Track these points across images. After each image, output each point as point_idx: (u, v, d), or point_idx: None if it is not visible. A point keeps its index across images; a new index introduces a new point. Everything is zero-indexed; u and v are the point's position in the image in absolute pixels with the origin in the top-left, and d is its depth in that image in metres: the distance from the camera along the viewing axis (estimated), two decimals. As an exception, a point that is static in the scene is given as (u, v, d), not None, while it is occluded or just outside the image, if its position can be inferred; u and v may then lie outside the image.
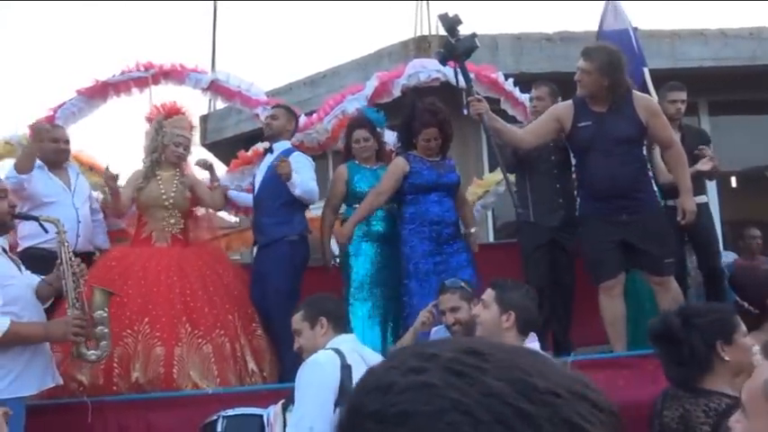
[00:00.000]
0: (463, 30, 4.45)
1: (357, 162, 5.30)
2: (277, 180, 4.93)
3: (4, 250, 3.91)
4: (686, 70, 7.23)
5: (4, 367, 3.66)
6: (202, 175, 5.52)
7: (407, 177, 4.96)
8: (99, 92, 5.81)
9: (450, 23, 4.39)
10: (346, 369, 3.25)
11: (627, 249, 4.52)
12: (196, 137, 5.62)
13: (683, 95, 5.52)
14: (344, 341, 3.47)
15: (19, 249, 4.99)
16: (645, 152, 4.90)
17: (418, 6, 8.82)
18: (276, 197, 5.04)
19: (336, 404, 3.20)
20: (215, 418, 3.74)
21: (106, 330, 3.99)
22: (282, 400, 3.62)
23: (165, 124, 5.15)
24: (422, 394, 0.68)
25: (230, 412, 3.75)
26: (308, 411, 3.15)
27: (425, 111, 4.96)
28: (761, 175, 8.12)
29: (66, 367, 4.33)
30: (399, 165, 5.02)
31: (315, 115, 6.01)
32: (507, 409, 0.66)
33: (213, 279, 4.93)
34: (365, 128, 5.31)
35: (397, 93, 6.00)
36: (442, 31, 4.80)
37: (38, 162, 5.11)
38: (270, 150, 5.33)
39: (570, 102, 4.60)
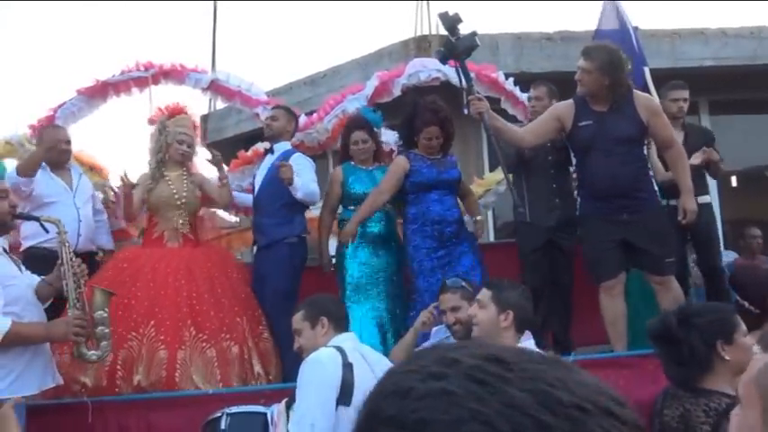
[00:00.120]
0: (463, 29, 4.45)
1: (353, 163, 5.30)
2: (277, 181, 4.93)
3: (4, 250, 3.91)
4: (686, 70, 7.23)
5: (5, 367, 3.66)
6: (209, 172, 5.55)
7: (408, 176, 4.98)
8: (99, 92, 5.82)
9: (451, 22, 4.39)
10: (348, 367, 3.25)
11: (627, 249, 4.52)
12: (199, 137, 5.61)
13: (684, 94, 5.52)
14: (345, 340, 3.47)
15: (21, 249, 5.01)
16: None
17: (418, 6, 8.82)
18: (276, 198, 5.03)
19: (338, 402, 3.20)
20: (218, 414, 3.73)
21: (107, 330, 4.00)
22: (286, 399, 3.62)
23: (168, 124, 5.17)
24: (441, 402, 0.67)
25: (234, 409, 3.74)
26: (310, 409, 3.15)
27: (426, 109, 4.96)
28: (761, 174, 8.12)
29: (69, 369, 4.34)
30: (400, 164, 5.03)
31: (315, 115, 6.01)
32: (528, 420, 0.65)
33: (221, 281, 4.93)
34: (364, 129, 5.30)
35: (397, 92, 6.00)
36: (443, 31, 4.79)
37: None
38: (270, 151, 5.32)
39: (571, 101, 4.59)
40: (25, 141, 5.67)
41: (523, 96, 6.01)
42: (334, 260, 5.28)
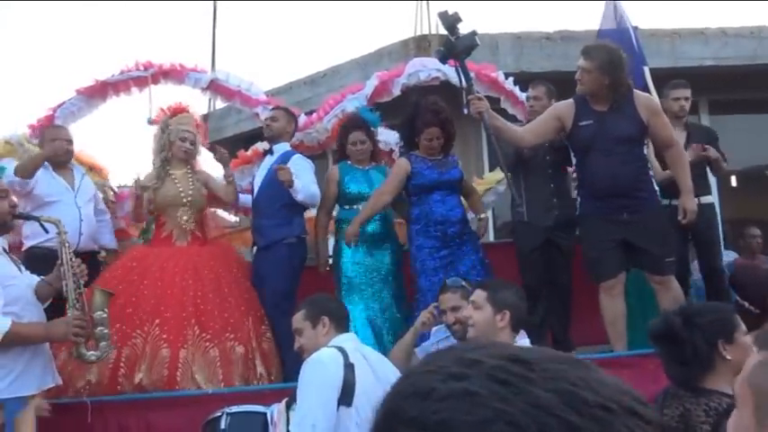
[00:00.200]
0: (463, 28, 4.44)
1: (349, 163, 5.30)
2: (277, 183, 4.93)
3: (4, 250, 3.91)
4: (686, 69, 7.23)
5: (5, 367, 3.66)
6: (214, 170, 5.58)
7: (410, 178, 5.00)
8: (98, 91, 5.81)
9: (450, 22, 4.38)
10: (349, 367, 3.25)
11: (627, 249, 4.52)
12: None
13: (686, 93, 5.52)
14: (347, 340, 3.47)
15: (23, 249, 5.03)
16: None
17: (418, 6, 8.81)
18: (276, 199, 5.03)
19: (339, 402, 3.19)
20: (218, 414, 3.73)
21: (106, 331, 4.00)
22: (286, 399, 3.62)
23: (171, 122, 5.20)
24: (464, 402, 0.65)
25: (234, 409, 3.74)
26: (311, 409, 3.15)
27: (427, 110, 4.97)
28: (761, 174, 8.12)
29: (74, 366, 4.35)
30: (402, 166, 5.05)
31: (315, 114, 6.01)
32: (554, 421, 0.64)
33: (228, 280, 4.95)
34: (361, 129, 5.30)
35: (397, 92, 5.99)
36: (443, 31, 4.79)
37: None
38: (270, 152, 5.32)
39: (571, 100, 4.59)
40: (24, 141, 5.66)
41: (523, 96, 6.00)
42: (331, 260, 5.28)
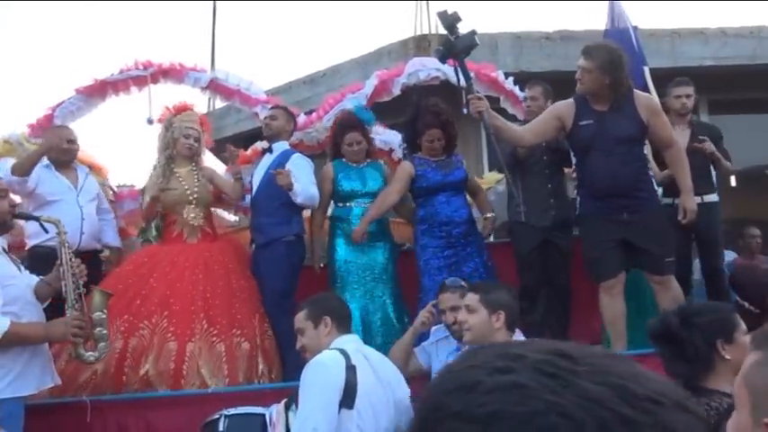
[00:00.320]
0: (462, 27, 4.44)
1: (344, 160, 5.30)
2: (275, 182, 4.93)
3: (3, 250, 3.90)
4: (686, 69, 7.21)
5: (4, 367, 3.66)
6: (219, 168, 5.60)
7: (414, 181, 5.04)
8: (98, 91, 5.81)
9: (450, 21, 4.38)
10: (351, 370, 3.24)
11: (627, 248, 4.51)
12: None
13: (688, 90, 5.52)
14: (349, 341, 3.46)
15: (26, 248, 5.07)
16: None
17: (418, 5, 8.81)
18: (274, 198, 5.03)
19: (341, 405, 3.19)
20: (216, 416, 3.73)
21: (105, 332, 4.00)
22: (285, 399, 3.61)
23: (174, 120, 5.24)
24: (512, 395, 0.65)
25: (232, 411, 3.73)
26: (313, 412, 3.14)
27: (428, 112, 5.01)
28: (761, 173, 8.11)
29: (75, 367, 4.37)
30: (406, 168, 5.08)
31: (314, 114, 6.00)
32: (608, 414, 0.63)
33: (238, 276, 5.00)
34: (357, 130, 5.30)
35: (396, 91, 5.99)
36: (442, 30, 4.79)
37: (45, 161, 5.19)
38: (269, 150, 5.32)
39: (571, 100, 4.58)
40: (24, 140, 5.67)
41: (523, 96, 5.99)
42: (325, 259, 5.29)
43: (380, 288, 5.03)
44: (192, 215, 5.09)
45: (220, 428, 3.66)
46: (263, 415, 3.64)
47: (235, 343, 4.66)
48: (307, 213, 5.39)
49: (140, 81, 5.77)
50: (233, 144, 5.95)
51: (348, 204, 5.19)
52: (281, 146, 5.29)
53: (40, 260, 4.51)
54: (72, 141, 5.32)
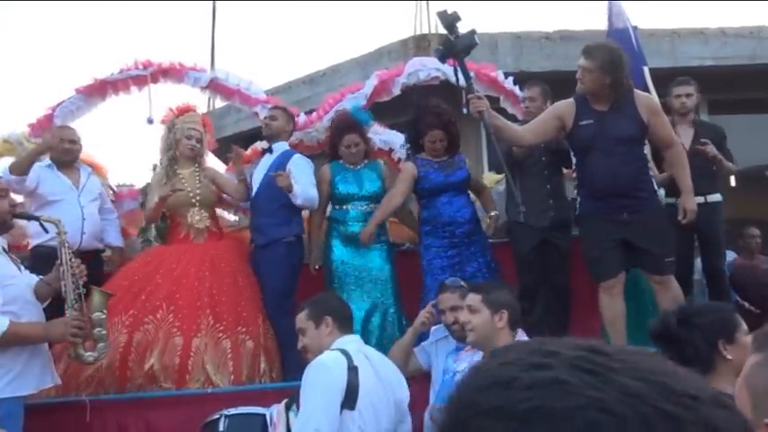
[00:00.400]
0: (462, 27, 4.43)
1: (341, 162, 5.30)
2: (275, 183, 4.92)
3: (3, 250, 3.90)
4: (686, 69, 7.21)
5: (3, 366, 3.66)
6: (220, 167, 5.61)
7: (417, 182, 5.06)
8: (98, 90, 5.80)
9: (449, 20, 4.37)
10: (353, 371, 3.24)
11: (627, 248, 4.51)
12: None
13: (687, 89, 5.52)
14: (350, 341, 3.46)
15: (29, 248, 5.09)
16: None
17: (418, 5, 8.81)
18: (275, 199, 5.04)
19: (342, 406, 3.18)
20: (216, 417, 3.72)
21: (104, 332, 4.00)
22: (286, 400, 3.61)
23: (177, 122, 5.25)
24: (552, 390, 0.63)
25: (232, 411, 3.73)
26: (315, 413, 3.14)
27: (429, 113, 5.03)
28: (761, 174, 8.10)
29: (77, 368, 4.36)
30: (409, 170, 5.10)
31: (314, 114, 5.99)
32: (650, 409, 0.62)
33: (244, 275, 5.02)
34: (355, 132, 5.29)
35: (396, 91, 5.98)
36: (442, 30, 4.78)
37: (47, 161, 5.22)
38: (269, 151, 5.31)
39: (572, 100, 4.58)
40: (23, 140, 5.67)
41: (522, 96, 5.98)
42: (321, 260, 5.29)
43: (378, 288, 5.03)
44: (197, 218, 5.10)
45: (221, 428, 3.65)
46: (264, 415, 3.64)
47: (240, 340, 4.68)
48: (306, 213, 5.39)
49: (140, 81, 5.76)
50: (233, 144, 5.94)
51: (345, 207, 5.19)
52: (280, 146, 5.28)
53: (41, 260, 4.51)
54: (74, 141, 5.33)
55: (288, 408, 3.53)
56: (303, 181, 5.00)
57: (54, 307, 4.04)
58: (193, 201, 5.09)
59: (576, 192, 5.10)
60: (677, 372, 0.68)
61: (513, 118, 5.84)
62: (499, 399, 0.65)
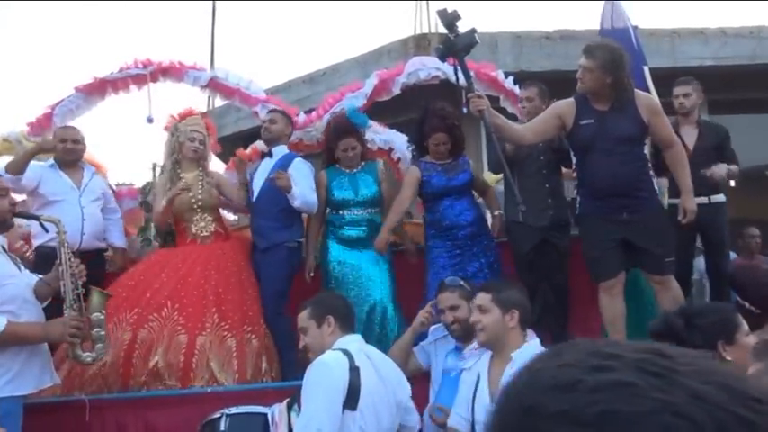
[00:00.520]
0: (462, 26, 4.43)
1: (337, 166, 5.29)
2: (277, 187, 4.92)
3: (3, 249, 3.90)
4: (686, 69, 7.21)
5: (2, 366, 3.66)
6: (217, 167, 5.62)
7: (421, 186, 5.09)
8: (97, 89, 5.79)
9: (449, 19, 4.36)
10: (354, 371, 3.23)
11: (627, 248, 4.50)
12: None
13: (685, 89, 5.52)
14: (352, 341, 3.45)
15: (33, 248, 5.10)
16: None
17: (418, 5, 8.82)
18: (276, 203, 5.03)
19: (344, 406, 3.18)
20: (218, 415, 3.71)
21: (103, 333, 3.99)
22: (287, 399, 3.60)
23: (180, 126, 5.25)
24: (620, 393, 0.61)
25: (233, 410, 3.72)
26: (317, 413, 3.13)
27: (434, 115, 5.06)
28: (761, 174, 8.11)
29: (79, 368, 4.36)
30: (414, 174, 5.14)
31: (314, 113, 5.98)
32: (724, 414, 0.60)
33: (248, 274, 5.03)
34: (352, 136, 5.28)
35: (396, 91, 5.97)
36: (442, 30, 4.77)
37: (50, 161, 5.21)
38: (269, 155, 5.30)
39: (572, 99, 4.57)
40: (23, 138, 5.66)
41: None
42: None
43: (375, 289, 5.02)
44: (202, 224, 5.11)
45: (222, 428, 3.64)
46: (265, 414, 3.63)
47: (245, 339, 4.69)
48: (304, 216, 5.39)
49: (140, 80, 5.76)
50: (232, 144, 5.94)
51: (341, 212, 5.19)
52: (280, 150, 5.27)
53: (44, 260, 4.51)
54: (77, 141, 5.32)
55: (289, 407, 3.52)
56: (303, 185, 5.00)
57: (54, 307, 4.04)
58: (195, 206, 5.08)
59: (575, 191, 5.10)
60: (735, 373, 0.66)
61: (513, 117, 5.83)
62: (564, 402, 0.62)
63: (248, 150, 6.00)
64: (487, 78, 6.00)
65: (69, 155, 5.25)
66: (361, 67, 8.00)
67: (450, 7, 4.39)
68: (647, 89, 5.41)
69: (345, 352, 3.30)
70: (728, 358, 2.55)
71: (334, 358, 3.26)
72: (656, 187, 4.88)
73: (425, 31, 8.38)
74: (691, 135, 5.40)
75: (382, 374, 3.41)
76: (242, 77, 6.04)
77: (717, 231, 5.38)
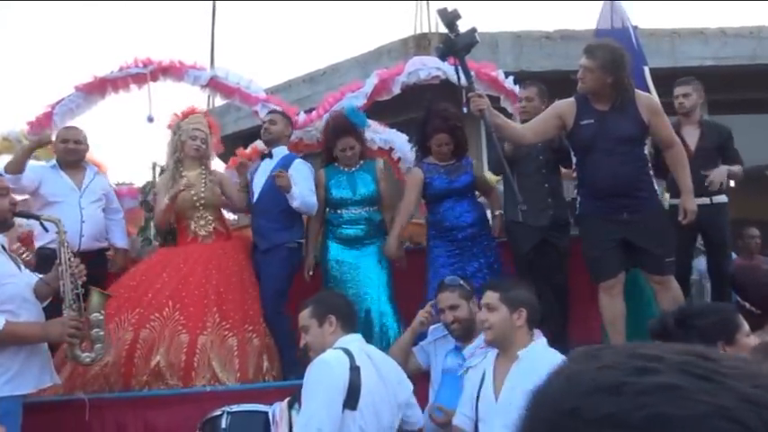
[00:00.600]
0: (462, 26, 4.42)
1: (336, 165, 5.29)
2: (277, 187, 4.92)
3: (3, 248, 3.89)
4: (686, 69, 7.22)
5: (1, 365, 3.65)
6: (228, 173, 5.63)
7: (424, 187, 5.11)
8: (97, 88, 5.78)
9: (450, 19, 4.36)
10: (355, 370, 3.23)
11: (627, 248, 4.50)
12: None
13: (685, 89, 5.52)
14: (353, 341, 3.45)
15: (35, 249, 5.10)
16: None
17: (418, 4, 8.82)
18: (276, 204, 5.04)
19: (344, 405, 3.17)
20: (219, 413, 3.71)
21: (102, 333, 3.99)
22: (288, 398, 3.60)
23: (182, 124, 5.25)
24: (667, 397, 0.59)
25: (235, 408, 3.72)
26: (317, 412, 3.13)
27: (437, 116, 5.07)
28: (761, 174, 8.11)
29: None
30: (417, 176, 5.15)
31: (314, 113, 5.98)
32: None
33: (250, 273, 5.03)
34: (351, 135, 5.28)
35: (396, 90, 5.97)
36: (443, 29, 4.78)
37: (51, 162, 5.21)
38: (269, 156, 5.30)
39: (572, 99, 4.57)
40: (22, 138, 5.65)
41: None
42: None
43: (374, 288, 5.03)
44: (202, 222, 5.10)
45: (223, 425, 3.64)
46: (266, 413, 3.62)
47: (247, 338, 4.70)
48: (304, 216, 5.39)
49: (140, 79, 5.75)
50: (232, 143, 5.94)
51: (339, 211, 5.19)
52: (280, 151, 5.27)
53: (45, 261, 4.50)
54: (79, 142, 5.31)
55: (290, 406, 3.52)
56: (302, 186, 5.00)
57: (54, 307, 4.04)
58: (197, 204, 5.08)
59: (575, 191, 5.10)
60: None
61: (513, 117, 5.84)
62: (609, 405, 0.60)
63: (248, 150, 6.00)
64: (488, 78, 6.00)
65: (71, 155, 5.25)
66: (361, 67, 8.00)
67: (450, 6, 4.39)
68: (647, 89, 5.41)
69: (346, 351, 3.30)
70: (729, 359, 2.55)
71: (335, 357, 3.26)
72: (656, 187, 4.88)
73: (426, 30, 8.38)
74: (692, 135, 5.40)
75: (383, 374, 3.41)
76: (242, 77, 6.03)
77: (718, 232, 5.39)
